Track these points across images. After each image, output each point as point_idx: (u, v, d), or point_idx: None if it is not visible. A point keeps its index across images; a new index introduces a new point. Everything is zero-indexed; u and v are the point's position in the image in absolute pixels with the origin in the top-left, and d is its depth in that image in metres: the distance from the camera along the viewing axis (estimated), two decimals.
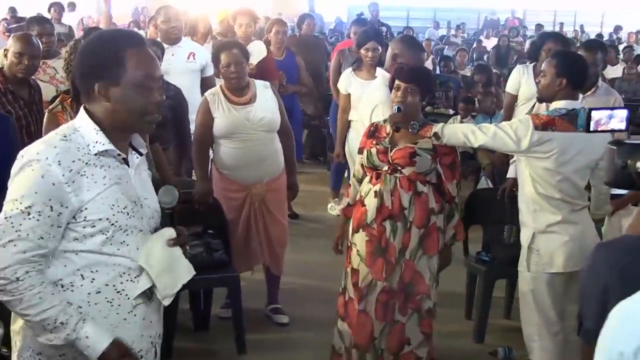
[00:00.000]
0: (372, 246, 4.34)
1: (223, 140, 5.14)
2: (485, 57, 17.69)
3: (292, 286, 6.00)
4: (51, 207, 2.36)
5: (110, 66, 2.45)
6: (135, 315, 2.55)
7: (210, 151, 5.32)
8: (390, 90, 4.46)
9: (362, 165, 4.49)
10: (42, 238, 2.37)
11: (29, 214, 2.35)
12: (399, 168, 4.31)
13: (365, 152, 4.43)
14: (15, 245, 2.36)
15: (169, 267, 2.58)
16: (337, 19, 25.34)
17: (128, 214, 2.49)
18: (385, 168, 4.34)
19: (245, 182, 5.17)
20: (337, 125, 7.98)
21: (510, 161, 5.45)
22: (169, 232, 2.60)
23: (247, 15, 7.38)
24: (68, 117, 3.84)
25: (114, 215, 2.46)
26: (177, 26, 6.47)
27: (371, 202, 4.35)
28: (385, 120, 4.51)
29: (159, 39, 6.38)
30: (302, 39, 9.90)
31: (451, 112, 9.51)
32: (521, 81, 6.42)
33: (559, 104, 4.14)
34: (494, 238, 5.43)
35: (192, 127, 5.48)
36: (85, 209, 2.41)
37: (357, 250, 4.41)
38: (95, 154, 2.45)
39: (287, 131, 5.37)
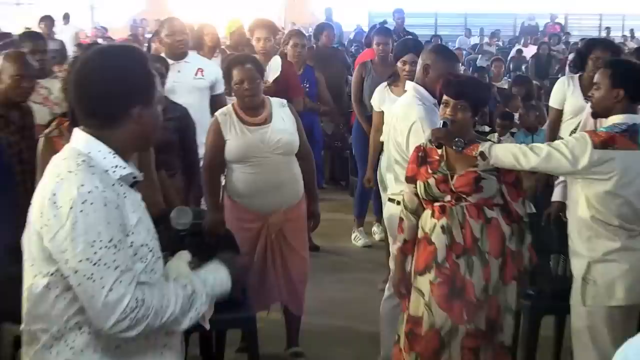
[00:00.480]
0: (446, 288, 4.26)
1: (236, 165, 5.18)
2: (523, 67, 17.76)
3: (314, 327, 5.99)
4: (123, 232, 2.47)
5: (148, 88, 2.58)
6: (164, 345, 2.66)
7: (222, 177, 5.37)
8: (439, 104, 4.47)
9: (415, 194, 4.43)
10: (133, 264, 2.48)
11: (115, 246, 2.43)
12: (464, 196, 4.29)
13: (420, 184, 4.38)
14: (121, 281, 2.42)
15: None
16: (357, 28, 25.42)
17: (156, 240, 2.61)
18: (448, 198, 4.31)
19: (261, 211, 5.20)
20: (361, 145, 8.09)
21: (556, 182, 5.46)
22: (186, 255, 2.75)
23: (266, 27, 7.46)
24: (66, 143, 3.87)
25: (151, 240, 2.58)
26: (183, 40, 6.55)
27: (440, 239, 4.29)
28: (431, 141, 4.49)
29: (163, 54, 6.45)
30: (320, 51, 9.97)
31: (487, 129, 9.52)
32: (566, 94, 6.43)
33: (617, 119, 4.14)
34: (539, 269, 5.41)
35: (201, 151, 5.52)
36: (132, 233, 2.50)
37: (423, 295, 4.33)
38: (118, 179, 2.54)
39: (307, 154, 5.41)
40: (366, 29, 25.97)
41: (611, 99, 4.19)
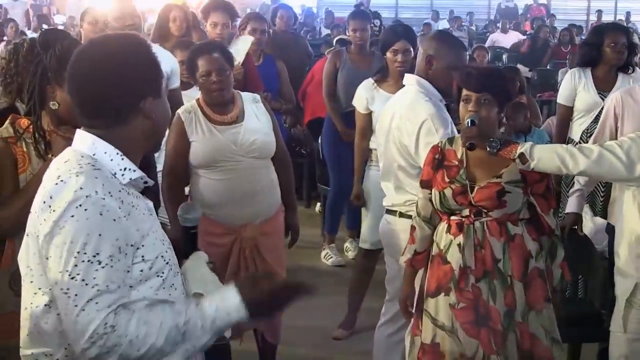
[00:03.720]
0: (471, 314, 4.32)
1: (203, 171, 5.25)
2: (504, 56, 18.01)
3: (288, 358, 6.13)
4: (119, 248, 2.55)
5: (156, 77, 2.74)
6: None
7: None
8: (458, 103, 4.48)
9: (430, 201, 4.50)
10: (119, 287, 2.55)
11: (99, 262, 2.52)
12: (485, 211, 4.35)
13: (436, 193, 4.43)
14: (96, 302, 2.51)
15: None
16: (304, 9, 25.53)
17: (172, 251, 2.74)
18: (467, 213, 4.37)
19: (232, 224, 5.26)
20: (333, 149, 8.17)
21: (571, 191, 5.60)
22: (204, 256, 2.93)
23: (224, 10, 7.50)
24: (27, 149, 3.84)
25: (166, 251, 2.70)
26: (135, 24, 6.52)
27: (456, 259, 4.35)
28: (451, 141, 4.53)
29: None
30: (276, 37, 9.93)
31: None
32: (577, 89, 6.64)
33: None
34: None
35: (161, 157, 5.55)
36: (143, 246, 2.62)
37: (434, 320, 4.40)
38: (127, 184, 2.67)
39: (284, 157, 5.52)
40: (315, 11, 26.21)
41: None
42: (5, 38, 14.42)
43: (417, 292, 4.62)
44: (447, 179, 4.40)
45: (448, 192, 4.37)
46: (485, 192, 4.32)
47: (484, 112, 4.33)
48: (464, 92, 4.40)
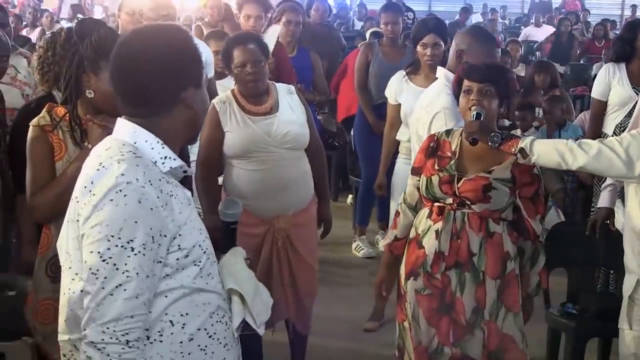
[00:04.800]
0: (435, 301, 4.36)
1: (237, 161, 5.26)
2: (537, 52, 17.93)
3: (318, 349, 6.14)
4: (152, 237, 2.58)
5: (198, 67, 2.77)
6: None
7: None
8: (457, 96, 4.51)
9: (417, 189, 4.53)
10: (148, 277, 2.58)
11: (132, 249, 2.55)
12: (468, 203, 4.36)
13: (423, 179, 4.45)
14: (125, 289, 2.54)
15: (257, 289, 2.91)
16: (338, 2, 25.55)
17: (209, 241, 2.77)
18: (450, 201, 4.38)
19: (265, 215, 5.27)
20: (364, 141, 8.21)
21: (603, 185, 5.58)
22: (242, 252, 2.97)
23: (258, 3, 7.51)
24: (63, 137, 3.90)
25: (204, 240, 2.73)
26: (169, 15, 6.54)
27: (431, 245, 4.38)
28: (448, 133, 4.54)
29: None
30: (310, 29, 9.97)
31: (507, 123, 9.65)
32: (612, 84, 6.62)
33: None
34: (584, 285, 5.56)
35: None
36: (180, 235, 2.65)
37: (409, 303, 4.45)
38: (167, 172, 2.70)
39: (318, 149, 5.53)
40: (349, 3, 26.18)
41: None
42: (39, 26, 14.52)
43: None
44: (436, 167, 4.41)
45: (435, 179, 4.39)
46: (471, 184, 4.32)
47: (486, 103, 4.35)
48: (466, 83, 4.42)
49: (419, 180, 4.50)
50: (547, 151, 4.20)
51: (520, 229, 4.44)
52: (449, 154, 4.43)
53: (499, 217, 4.37)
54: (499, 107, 4.42)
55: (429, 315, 4.37)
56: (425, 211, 4.49)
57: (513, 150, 4.21)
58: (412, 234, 4.53)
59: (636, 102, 5.35)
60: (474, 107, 4.33)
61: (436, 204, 4.42)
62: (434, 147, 4.50)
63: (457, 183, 4.34)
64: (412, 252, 4.48)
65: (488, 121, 4.34)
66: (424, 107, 5.08)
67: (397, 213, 4.65)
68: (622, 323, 4.49)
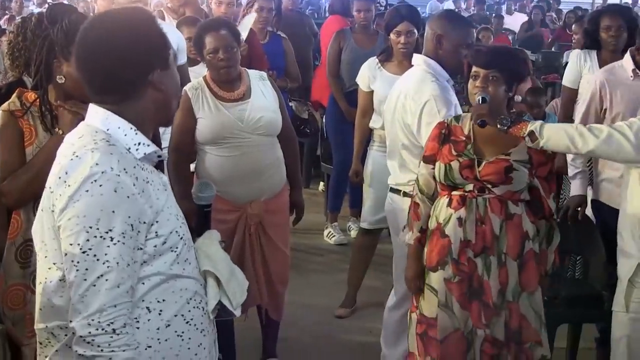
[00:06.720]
0: (464, 287, 4.39)
1: (209, 147, 5.26)
2: (510, 37, 17.96)
3: (291, 337, 6.18)
4: (132, 225, 2.57)
5: (164, 48, 2.74)
6: (204, 348, 2.81)
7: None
8: (466, 80, 4.51)
9: (433, 177, 4.52)
10: (129, 265, 2.57)
11: (111, 239, 2.54)
12: (489, 186, 4.38)
13: (441, 166, 4.45)
14: (107, 279, 2.53)
15: (232, 271, 2.94)
16: None
17: (186, 226, 2.76)
18: (470, 187, 4.40)
19: (237, 201, 5.28)
20: (336, 128, 8.21)
21: (572, 174, 5.63)
22: (217, 234, 2.97)
23: None
24: (33, 123, 3.87)
25: (180, 227, 2.73)
26: (143, 0, 6.54)
27: (455, 233, 4.39)
28: (457, 118, 4.55)
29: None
30: (282, 16, 9.87)
31: (519, 99, 9.57)
32: (582, 71, 6.61)
33: None
34: (554, 272, 5.58)
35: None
36: (157, 222, 2.64)
37: (437, 294, 4.44)
38: (141, 159, 2.69)
39: (290, 135, 5.54)
40: None
41: None
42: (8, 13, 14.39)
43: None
44: (454, 152, 4.41)
45: (455, 164, 4.39)
46: (493, 167, 4.35)
47: (492, 89, 4.34)
48: (473, 68, 4.43)
49: (434, 169, 4.50)
50: (556, 134, 4.23)
51: (536, 209, 4.48)
52: (464, 138, 4.45)
53: (518, 199, 4.41)
54: (507, 92, 4.41)
55: (462, 300, 4.40)
56: (443, 200, 4.49)
57: (522, 133, 4.23)
58: (432, 225, 4.53)
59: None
60: (478, 92, 4.35)
61: (454, 192, 4.43)
62: (446, 134, 4.51)
63: (479, 167, 4.36)
64: (436, 243, 4.48)
65: (494, 105, 4.32)
66: (410, 95, 5.03)
67: (417, 204, 4.61)
68: (616, 306, 4.53)
